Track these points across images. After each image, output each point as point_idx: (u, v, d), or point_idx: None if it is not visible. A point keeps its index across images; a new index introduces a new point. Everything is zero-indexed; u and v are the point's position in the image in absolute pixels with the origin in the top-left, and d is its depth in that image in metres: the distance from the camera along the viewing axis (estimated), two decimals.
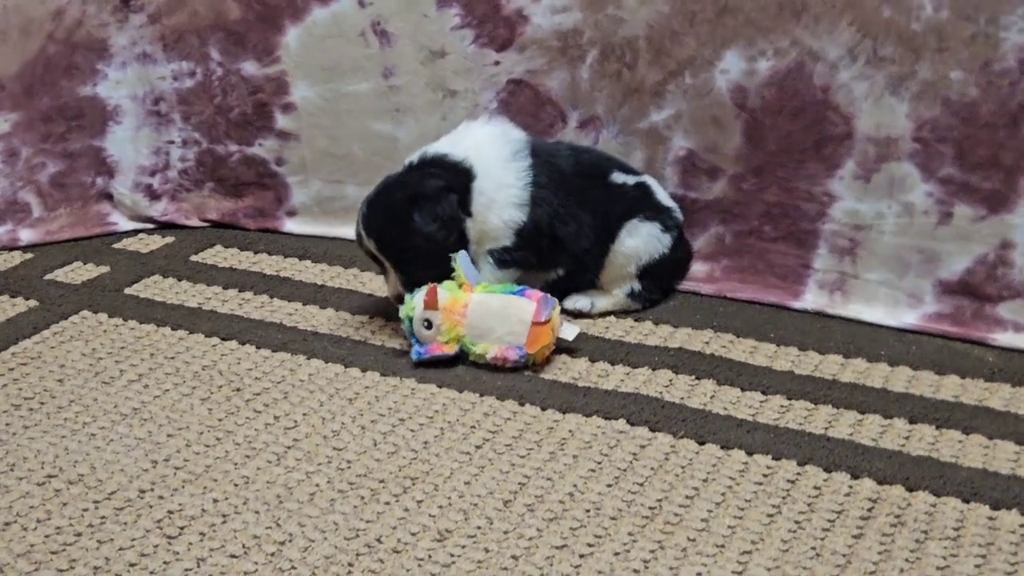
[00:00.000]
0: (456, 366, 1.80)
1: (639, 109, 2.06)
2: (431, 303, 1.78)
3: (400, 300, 1.86)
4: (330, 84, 2.22)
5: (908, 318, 1.92)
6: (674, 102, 2.03)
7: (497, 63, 2.12)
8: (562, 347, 1.84)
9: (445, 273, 1.83)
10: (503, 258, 1.89)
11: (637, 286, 1.96)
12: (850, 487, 1.50)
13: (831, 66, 1.90)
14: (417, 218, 1.81)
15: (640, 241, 1.93)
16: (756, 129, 1.98)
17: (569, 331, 1.82)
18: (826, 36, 1.88)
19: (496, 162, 1.87)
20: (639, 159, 2.07)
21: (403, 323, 1.81)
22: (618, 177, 1.95)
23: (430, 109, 2.18)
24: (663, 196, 2.00)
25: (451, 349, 1.78)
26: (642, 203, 1.95)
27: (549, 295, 1.81)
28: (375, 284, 2.10)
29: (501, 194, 1.86)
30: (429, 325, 1.78)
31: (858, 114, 1.90)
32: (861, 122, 1.90)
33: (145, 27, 2.26)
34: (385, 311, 1.98)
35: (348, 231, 2.20)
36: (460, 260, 1.82)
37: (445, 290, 1.80)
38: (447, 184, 1.83)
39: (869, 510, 1.45)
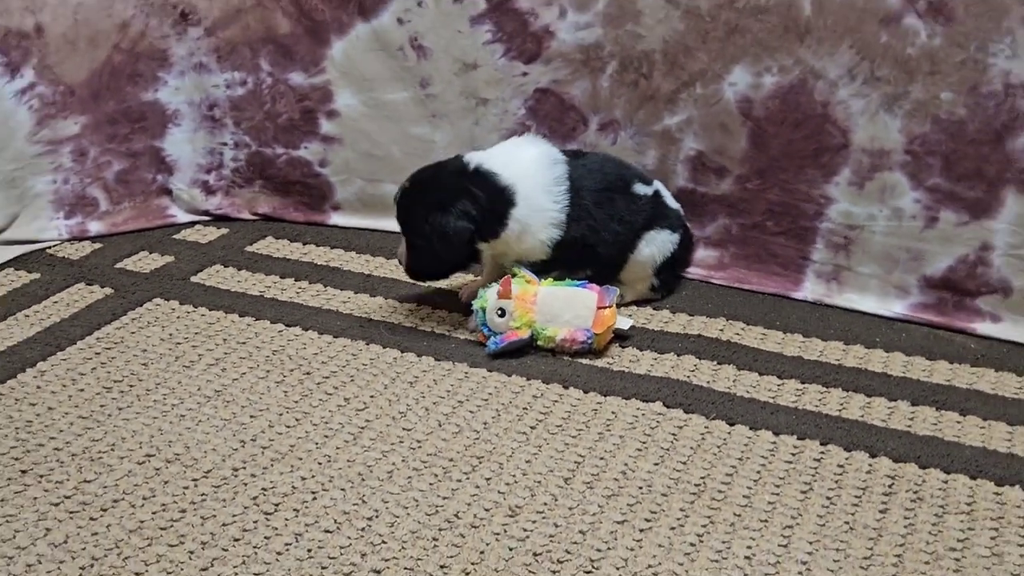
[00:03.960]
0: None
1: (654, 114, 2.03)
2: (505, 294, 1.76)
3: (409, 272, 1.87)
4: (372, 93, 2.17)
5: (896, 308, 1.92)
6: (686, 109, 2.01)
7: (525, 74, 2.09)
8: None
9: (443, 270, 1.87)
10: (542, 268, 1.84)
11: (656, 281, 1.95)
12: (870, 465, 1.50)
13: (831, 84, 1.88)
14: (432, 220, 1.78)
15: (656, 248, 1.92)
16: (760, 136, 1.97)
17: (624, 322, 1.81)
18: (827, 57, 1.87)
19: (538, 188, 1.81)
20: (653, 157, 2.05)
21: (476, 315, 1.79)
22: (639, 188, 1.92)
23: (463, 115, 2.15)
24: (670, 199, 1.98)
25: (524, 333, 1.76)
26: (657, 213, 1.93)
27: (610, 286, 1.80)
28: None
29: (537, 217, 1.81)
30: (503, 313, 1.76)
31: (854, 128, 1.89)
32: (857, 135, 1.89)
33: (202, 39, 2.20)
34: (431, 299, 1.96)
35: (389, 224, 2.17)
36: (520, 267, 1.81)
37: (517, 283, 1.78)
38: (475, 213, 1.77)
39: (890, 487, 1.45)
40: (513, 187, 1.80)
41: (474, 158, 1.83)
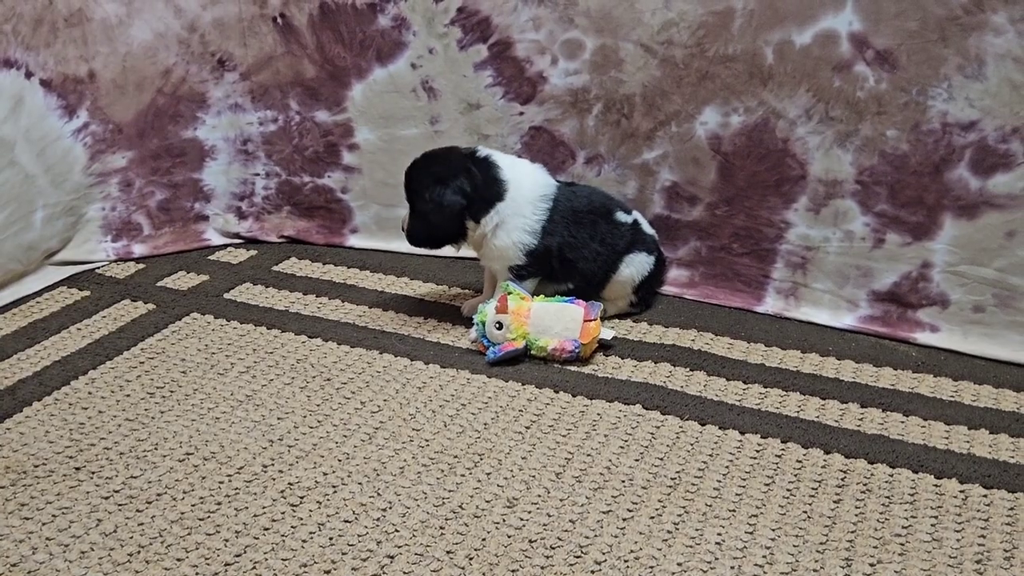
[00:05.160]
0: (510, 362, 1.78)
1: (634, 149, 2.04)
2: (502, 309, 1.76)
3: (407, 237, 1.88)
4: (387, 129, 2.18)
5: (847, 320, 1.93)
6: (662, 145, 2.01)
7: (521, 113, 2.10)
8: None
9: (436, 239, 1.86)
10: (520, 273, 1.86)
11: (635, 298, 1.95)
12: (825, 460, 1.50)
13: (791, 123, 1.89)
14: (430, 191, 1.80)
15: (635, 269, 1.92)
16: (728, 169, 1.97)
17: (607, 333, 1.82)
18: (788, 99, 1.88)
19: (524, 197, 1.84)
20: (633, 187, 2.06)
21: (476, 328, 1.79)
22: (621, 216, 1.92)
23: None
24: (646, 226, 1.98)
25: (520, 344, 1.76)
26: (635, 238, 1.93)
27: (595, 301, 1.81)
28: (424, 290, 2.07)
29: (514, 220, 1.83)
30: (500, 326, 1.76)
31: (811, 161, 1.90)
32: (813, 167, 1.90)
33: (237, 83, 2.21)
34: (437, 314, 1.96)
35: (400, 245, 2.18)
36: (512, 285, 1.81)
37: (512, 300, 1.78)
38: (468, 193, 1.80)
39: (842, 480, 1.46)
40: (507, 184, 1.83)
41: (486, 151, 1.86)
